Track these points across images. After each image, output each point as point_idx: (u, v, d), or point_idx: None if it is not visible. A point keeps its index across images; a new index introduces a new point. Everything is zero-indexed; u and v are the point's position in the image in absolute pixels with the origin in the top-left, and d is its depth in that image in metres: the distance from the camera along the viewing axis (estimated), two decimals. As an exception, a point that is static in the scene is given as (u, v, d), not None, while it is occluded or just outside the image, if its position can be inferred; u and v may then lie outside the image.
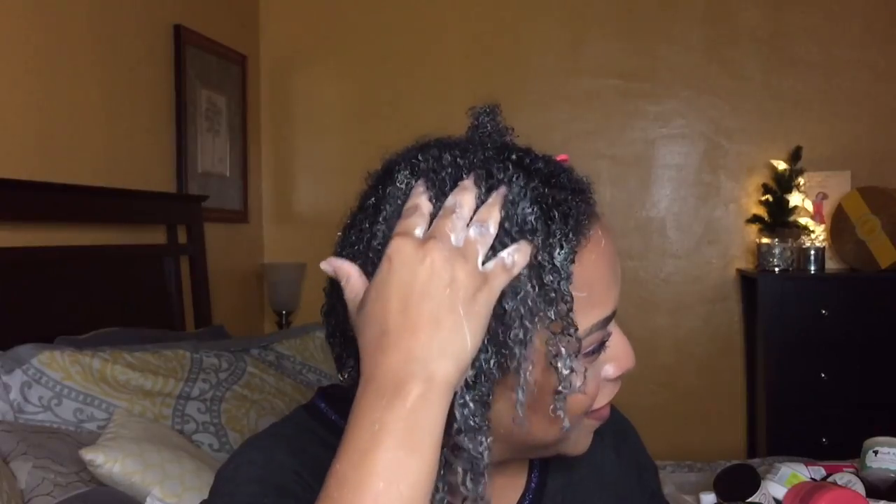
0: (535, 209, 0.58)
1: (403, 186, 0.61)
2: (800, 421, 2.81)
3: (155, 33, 2.48)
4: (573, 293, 0.58)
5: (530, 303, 0.57)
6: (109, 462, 1.36)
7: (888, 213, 2.90)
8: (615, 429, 0.85)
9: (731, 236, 3.19)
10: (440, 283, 0.53)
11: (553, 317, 0.58)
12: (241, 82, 3.05)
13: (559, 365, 0.58)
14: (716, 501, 1.44)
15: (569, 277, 0.58)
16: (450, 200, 0.58)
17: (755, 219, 3.07)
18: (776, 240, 2.98)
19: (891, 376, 2.77)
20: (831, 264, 3.00)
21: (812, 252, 2.94)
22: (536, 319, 0.57)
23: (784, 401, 2.84)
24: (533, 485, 0.76)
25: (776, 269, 2.95)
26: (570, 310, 0.58)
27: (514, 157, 0.62)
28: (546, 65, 3.22)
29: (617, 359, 0.66)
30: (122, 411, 1.59)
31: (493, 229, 0.56)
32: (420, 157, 0.62)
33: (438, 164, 0.61)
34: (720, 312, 3.19)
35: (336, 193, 3.25)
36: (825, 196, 3.05)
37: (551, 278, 0.57)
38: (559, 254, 0.58)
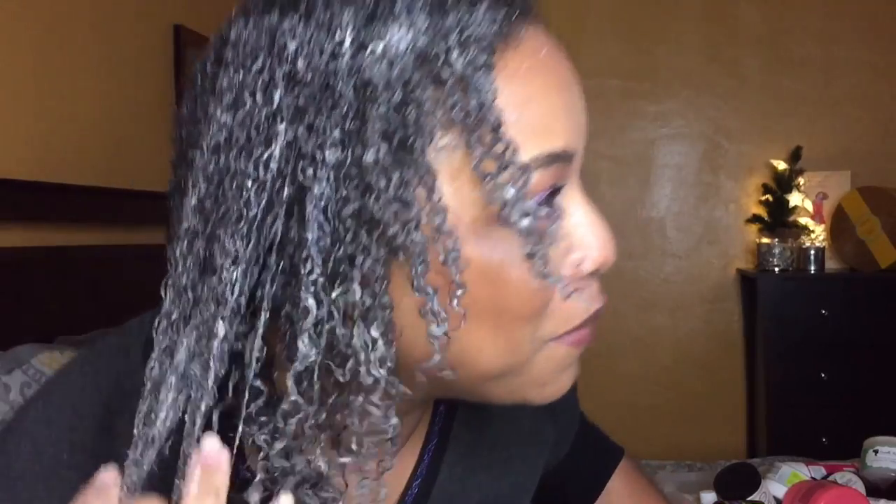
0: (405, 20, 0.41)
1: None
2: (800, 421, 2.81)
3: (155, 33, 2.49)
4: (507, 113, 0.42)
5: (426, 107, 0.41)
6: (109, 462, 1.35)
7: (888, 213, 2.90)
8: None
9: (731, 236, 3.19)
10: None
11: (473, 127, 0.41)
12: (241, 82, 3.04)
13: (503, 205, 0.42)
14: (716, 501, 1.44)
15: (478, 93, 0.41)
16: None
17: (755, 219, 3.07)
18: (776, 240, 2.98)
19: (891, 376, 2.77)
20: (831, 264, 3.00)
21: (812, 252, 2.94)
22: (439, 138, 0.41)
23: (784, 401, 2.84)
24: (432, 445, 0.60)
25: (776, 269, 2.95)
26: (498, 124, 0.41)
27: None
28: (546, 65, 3.22)
29: (588, 244, 0.48)
30: (122, 411, 1.59)
31: None
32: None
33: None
34: (720, 312, 3.19)
35: (336, 193, 3.25)
36: (825, 196, 3.05)
37: (453, 97, 0.41)
38: (460, 59, 0.41)
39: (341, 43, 0.40)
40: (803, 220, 3.01)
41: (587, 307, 0.48)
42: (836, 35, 3.10)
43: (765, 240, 3.01)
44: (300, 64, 0.41)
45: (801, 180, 3.00)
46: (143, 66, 2.41)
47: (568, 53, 0.48)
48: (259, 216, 0.41)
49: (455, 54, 0.41)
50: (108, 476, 0.38)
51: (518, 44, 0.44)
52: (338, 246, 0.41)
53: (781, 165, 3.03)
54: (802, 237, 2.99)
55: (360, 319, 0.42)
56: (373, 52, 0.40)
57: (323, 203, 0.41)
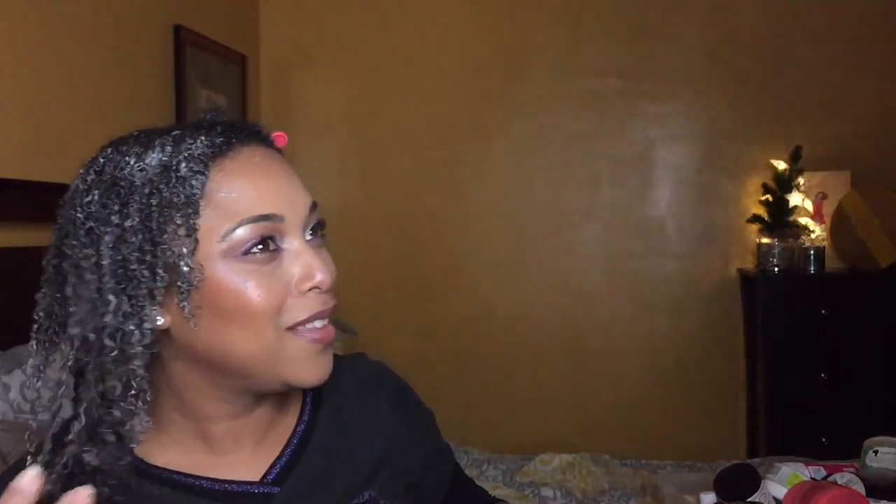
0: (159, 149, 0.71)
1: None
2: (800, 421, 2.81)
3: (155, 33, 2.49)
4: (222, 194, 0.71)
5: (153, 212, 0.69)
6: (109, 462, 1.35)
7: (888, 213, 2.90)
8: (394, 391, 0.93)
9: (731, 236, 3.19)
10: None
11: (179, 221, 0.69)
12: (241, 82, 3.05)
13: (181, 263, 0.69)
14: (716, 501, 1.44)
15: (191, 187, 0.70)
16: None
17: (755, 219, 3.07)
18: (776, 240, 2.98)
19: (891, 376, 2.77)
20: (831, 264, 3.00)
21: (812, 252, 2.94)
22: (161, 227, 0.69)
23: (784, 401, 2.84)
24: (296, 439, 0.83)
25: (776, 269, 2.95)
26: (192, 214, 0.69)
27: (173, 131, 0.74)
28: (546, 65, 3.22)
29: (305, 272, 0.73)
30: (122, 411, 1.59)
31: None
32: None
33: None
34: (720, 312, 3.19)
35: (336, 193, 3.25)
36: (825, 196, 3.05)
37: (175, 189, 0.70)
38: (184, 167, 0.70)
39: (127, 161, 0.71)
40: (803, 220, 3.01)
41: (312, 307, 0.73)
42: (836, 35, 3.10)
43: (765, 240, 3.01)
44: (106, 169, 0.71)
45: (801, 180, 3.00)
46: (143, 66, 2.41)
47: (282, 157, 0.79)
48: (84, 242, 0.70)
49: (182, 165, 0.70)
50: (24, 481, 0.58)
51: (236, 155, 0.73)
52: (120, 271, 0.69)
53: (781, 165, 3.03)
54: (802, 237, 2.99)
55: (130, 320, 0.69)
56: (138, 165, 0.70)
57: (110, 246, 0.69)
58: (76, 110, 2.08)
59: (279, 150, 0.81)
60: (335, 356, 0.83)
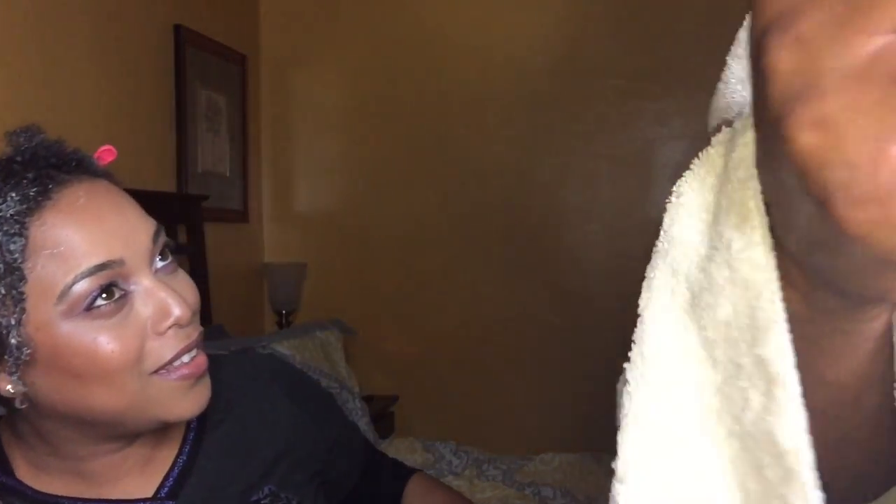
0: None
1: None
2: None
3: (155, 33, 2.48)
4: (49, 251, 0.63)
5: None
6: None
7: (888, 213, 2.90)
8: (289, 381, 0.91)
9: (732, 236, 3.19)
10: None
11: (2, 291, 0.61)
12: (241, 82, 3.05)
13: (9, 336, 0.62)
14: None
15: (10, 252, 0.62)
16: None
17: (755, 219, 3.07)
18: (776, 240, 2.98)
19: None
20: (831, 264, 3.00)
21: (812, 252, 2.94)
22: None
23: (784, 401, 2.84)
24: (187, 447, 0.80)
25: (776, 269, 2.94)
26: (16, 281, 0.62)
27: None
28: (546, 65, 3.22)
29: (159, 312, 0.67)
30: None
31: None
32: None
33: None
34: (720, 312, 3.18)
35: (336, 193, 3.24)
36: (825, 196, 3.05)
37: None
38: None
39: None
40: (803, 220, 3.01)
41: (175, 345, 0.68)
42: (836, 35, 3.09)
43: (765, 240, 3.01)
44: None
45: (801, 180, 3.00)
46: (143, 66, 2.41)
47: (110, 186, 0.70)
48: None
49: None
50: None
51: (55, 203, 0.64)
52: None
53: (781, 165, 3.02)
54: (802, 237, 2.99)
55: None
56: None
57: None
58: (76, 110, 2.08)
59: (106, 173, 0.73)
60: (217, 357, 0.81)
